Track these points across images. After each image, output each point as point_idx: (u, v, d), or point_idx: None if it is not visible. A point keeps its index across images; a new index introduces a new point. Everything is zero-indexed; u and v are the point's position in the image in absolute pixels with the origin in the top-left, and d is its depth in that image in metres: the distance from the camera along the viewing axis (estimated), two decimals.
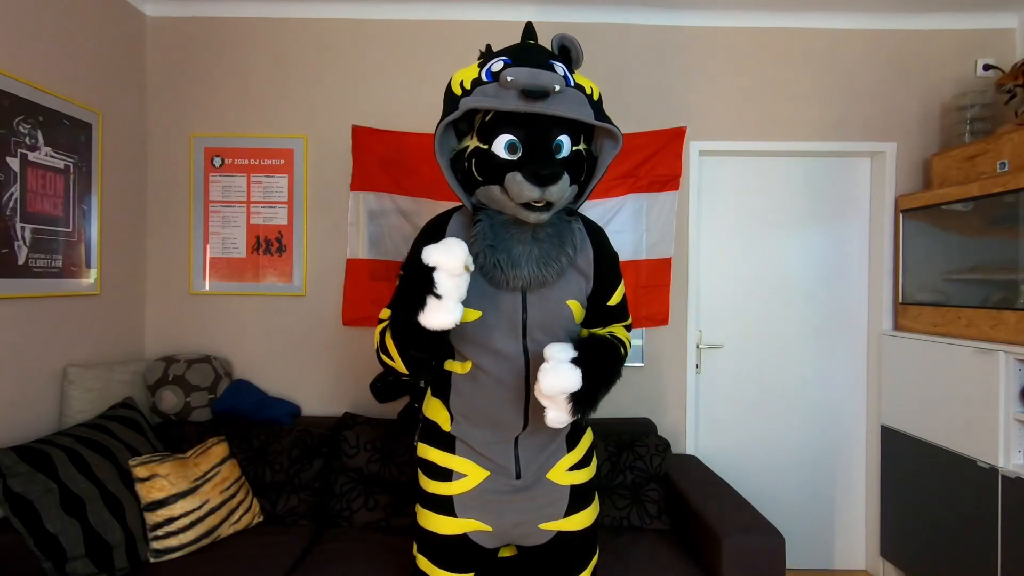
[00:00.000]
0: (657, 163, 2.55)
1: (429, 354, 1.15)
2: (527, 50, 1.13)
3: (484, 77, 1.10)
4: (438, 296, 1.00)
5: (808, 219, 2.77)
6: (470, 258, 1.04)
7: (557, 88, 1.04)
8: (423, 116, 2.59)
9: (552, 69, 1.09)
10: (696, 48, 2.64)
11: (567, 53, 1.17)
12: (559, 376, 1.04)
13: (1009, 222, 2.10)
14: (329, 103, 2.61)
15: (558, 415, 1.08)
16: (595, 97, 1.15)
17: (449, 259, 0.99)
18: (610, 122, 1.15)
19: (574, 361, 1.07)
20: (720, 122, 2.65)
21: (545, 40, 1.35)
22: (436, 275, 1.00)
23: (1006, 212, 2.11)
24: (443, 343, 1.13)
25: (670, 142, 2.55)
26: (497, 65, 1.10)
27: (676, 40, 2.64)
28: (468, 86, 1.11)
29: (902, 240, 2.60)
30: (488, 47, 1.20)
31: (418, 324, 1.02)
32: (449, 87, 1.15)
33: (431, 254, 1.01)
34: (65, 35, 2.13)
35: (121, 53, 2.44)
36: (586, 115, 1.10)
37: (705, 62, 2.64)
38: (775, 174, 2.77)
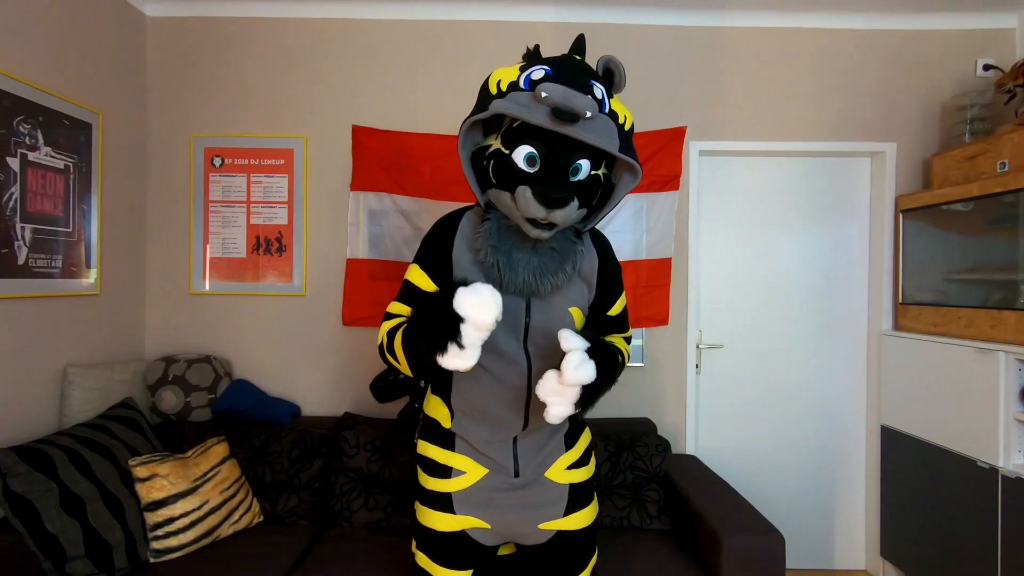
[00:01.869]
0: (657, 163, 2.55)
1: (440, 375, 1.15)
2: (570, 66, 1.12)
3: (522, 83, 1.09)
4: (462, 347, 0.98)
5: (808, 219, 2.77)
6: (500, 309, 1.01)
7: (588, 115, 1.04)
8: (423, 116, 2.59)
9: (591, 91, 1.07)
10: (696, 48, 2.64)
11: (610, 76, 1.16)
12: (585, 369, 1.02)
13: (1009, 222, 2.10)
14: (329, 103, 2.61)
15: (563, 410, 1.06)
16: (627, 127, 1.15)
17: (481, 315, 0.97)
18: (634, 156, 1.15)
19: (588, 352, 1.05)
20: (720, 122, 2.65)
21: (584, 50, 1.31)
22: (464, 328, 0.97)
23: (1006, 212, 2.11)
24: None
25: (670, 142, 2.56)
26: (538, 74, 1.09)
27: (676, 40, 2.64)
28: (504, 88, 1.11)
29: (902, 240, 2.60)
30: (536, 48, 1.20)
31: (435, 361, 1.01)
32: (486, 84, 1.15)
33: (464, 304, 0.97)
34: (65, 35, 2.13)
35: (121, 53, 2.44)
36: (611, 146, 1.09)
37: (705, 62, 2.64)
38: (775, 174, 2.77)
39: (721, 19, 2.62)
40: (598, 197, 1.18)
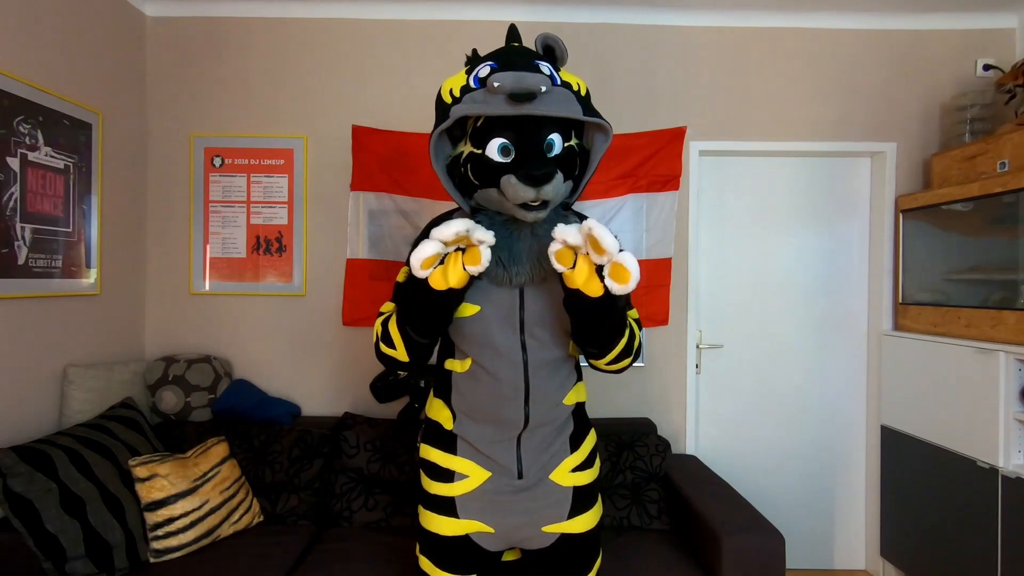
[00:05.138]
0: (657, 163, 2.55)
1: (430, 329, 1.16)
2: (512, 53, 1.15)
3: (472, 84, 1.13)
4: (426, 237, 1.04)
5: (808, 219, 2.77)
6: (479, 230, 1.06)
7: (543, 89, 1.07)
8: (423, 116, 2.59)
9: (538, 70, 1.11)
10: (696, 48, 2.64)
11: (552, 52, 1.19)
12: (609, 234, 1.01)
13: (1009, 222, 2.10)
14: (329, 103, 2.61)
15: (573, 234, 1.03)
16: (583, 93, 1.17)
17: (443, 228, 1.04)
18: (599, 116, 1.17)
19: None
20: (720, 122, 2.65)
21: (529, 40, 1.35)
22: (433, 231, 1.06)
23: (1006, 212, 2.11)
24: (443, 316, 1.14)
25: (670, 142, 2.55)
26: (484, 71, 1.12)
27: (676, 40, 2.64)
28: (458, 94, 1.13)
29: (902, 240, 2.60)
30: (474, 52, 1.23)
31: (415, 282, 1.07)
32: (440, 96, 1.18)
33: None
34: (65, 35, 2.13)
35: (121, 53, 2.44)
36: (574, 112, 1.11)
37: (705, 62, 2.64)
38: (775, 174, 2.77)
39: (721, 19, 2.62)
40: (578, 167, 1.21)
